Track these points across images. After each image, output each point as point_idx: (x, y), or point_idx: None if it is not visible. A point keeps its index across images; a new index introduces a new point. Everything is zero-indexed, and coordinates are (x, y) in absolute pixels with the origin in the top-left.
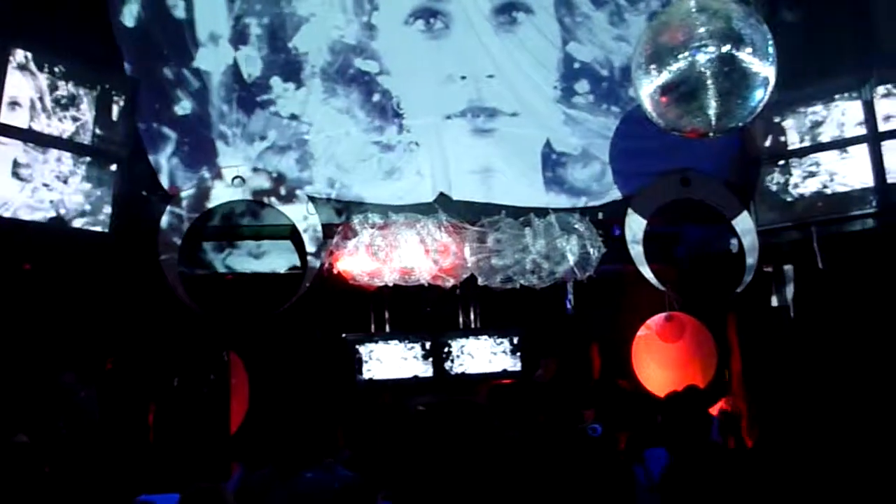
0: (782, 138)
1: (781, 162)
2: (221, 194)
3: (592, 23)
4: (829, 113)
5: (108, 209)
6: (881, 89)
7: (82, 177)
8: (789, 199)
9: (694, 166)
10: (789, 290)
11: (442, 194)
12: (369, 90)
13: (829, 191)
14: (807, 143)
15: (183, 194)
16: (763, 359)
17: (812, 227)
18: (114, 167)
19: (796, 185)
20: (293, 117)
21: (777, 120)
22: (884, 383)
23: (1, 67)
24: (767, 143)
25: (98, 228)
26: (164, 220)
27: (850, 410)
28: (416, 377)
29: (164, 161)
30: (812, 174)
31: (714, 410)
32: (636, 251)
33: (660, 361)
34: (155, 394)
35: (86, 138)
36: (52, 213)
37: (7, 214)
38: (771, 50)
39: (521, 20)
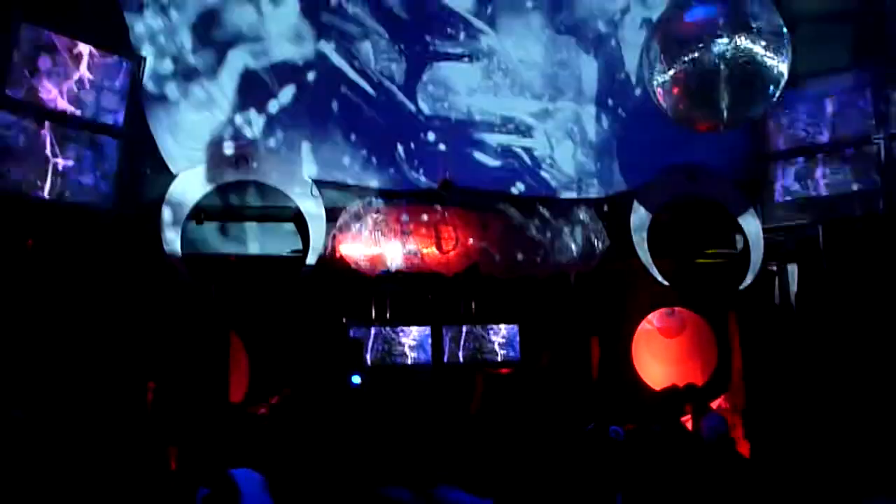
0: (792, 134)
1: (790, 159)
2: (227, 174)
3: None
4: (839, 110)
5: (110, 186)
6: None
7: (86, 152)
8: (797, 198)
9: (702, 161)
10: (793, 289)
11: (446, 181)
12: None
13: (837, 190)
14: (816, 141)
15: (187, 172)
16: (764, 356)
17: (818, 226)
18: (118, 143)
19: (805, 183)
20: None
21: (787, 116)
22: (885, 381)
23: (6, 40)
24: (777, 140)
25: (100, 204)
26: (168, 198)
27: (849, 408)
28: (416, 364)
29: (169, 138)
30: (821, 172)
31: (714, 405)
32: (641, 245)
33: (660, 356)
34: (154, 373)
35: (88, 113)
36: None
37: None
38: (785, 43)
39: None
